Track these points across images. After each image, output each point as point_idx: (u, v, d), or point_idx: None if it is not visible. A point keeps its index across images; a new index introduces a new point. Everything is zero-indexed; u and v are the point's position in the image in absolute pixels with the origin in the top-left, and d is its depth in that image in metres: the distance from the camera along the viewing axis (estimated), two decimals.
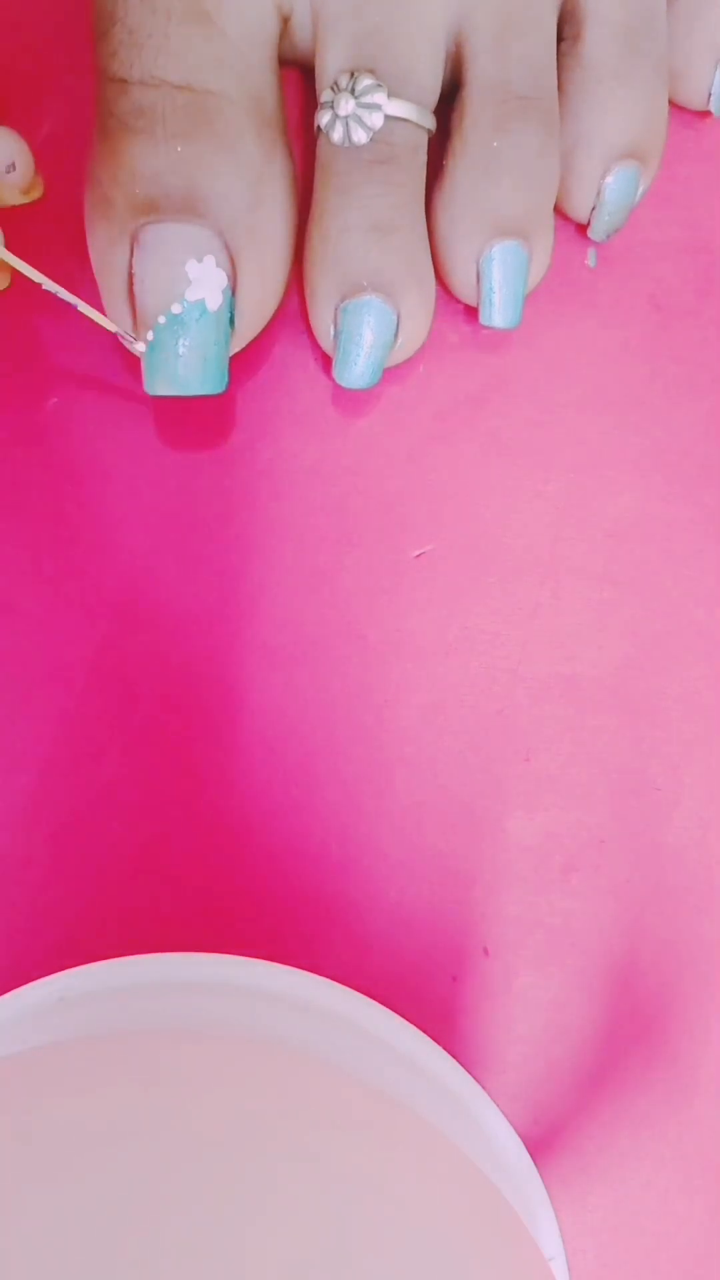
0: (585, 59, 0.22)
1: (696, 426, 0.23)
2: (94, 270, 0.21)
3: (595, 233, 0.23)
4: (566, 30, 0.22)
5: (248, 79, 0.21)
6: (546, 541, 0.22)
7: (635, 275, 0.23)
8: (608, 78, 0.21)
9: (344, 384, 0.21)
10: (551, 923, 0.21)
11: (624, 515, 0.23)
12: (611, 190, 0.22)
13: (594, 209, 0.22)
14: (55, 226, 0.22)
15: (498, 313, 0.22)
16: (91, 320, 0.20)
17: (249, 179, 0.20)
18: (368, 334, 0.21)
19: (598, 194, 0.22)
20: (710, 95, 0.23)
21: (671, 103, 0.23)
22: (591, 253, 0.23)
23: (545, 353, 0.23)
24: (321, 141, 0.21)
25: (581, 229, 0.23)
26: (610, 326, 0.23)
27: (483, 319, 0.22)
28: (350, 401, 0.23)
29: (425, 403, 0.23)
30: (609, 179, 0.22)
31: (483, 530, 0.22)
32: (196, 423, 0.22)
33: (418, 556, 0.22)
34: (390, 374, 0.23)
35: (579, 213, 0.23)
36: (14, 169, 0.20)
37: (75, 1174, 0.13)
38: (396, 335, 0.21)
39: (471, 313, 0.22)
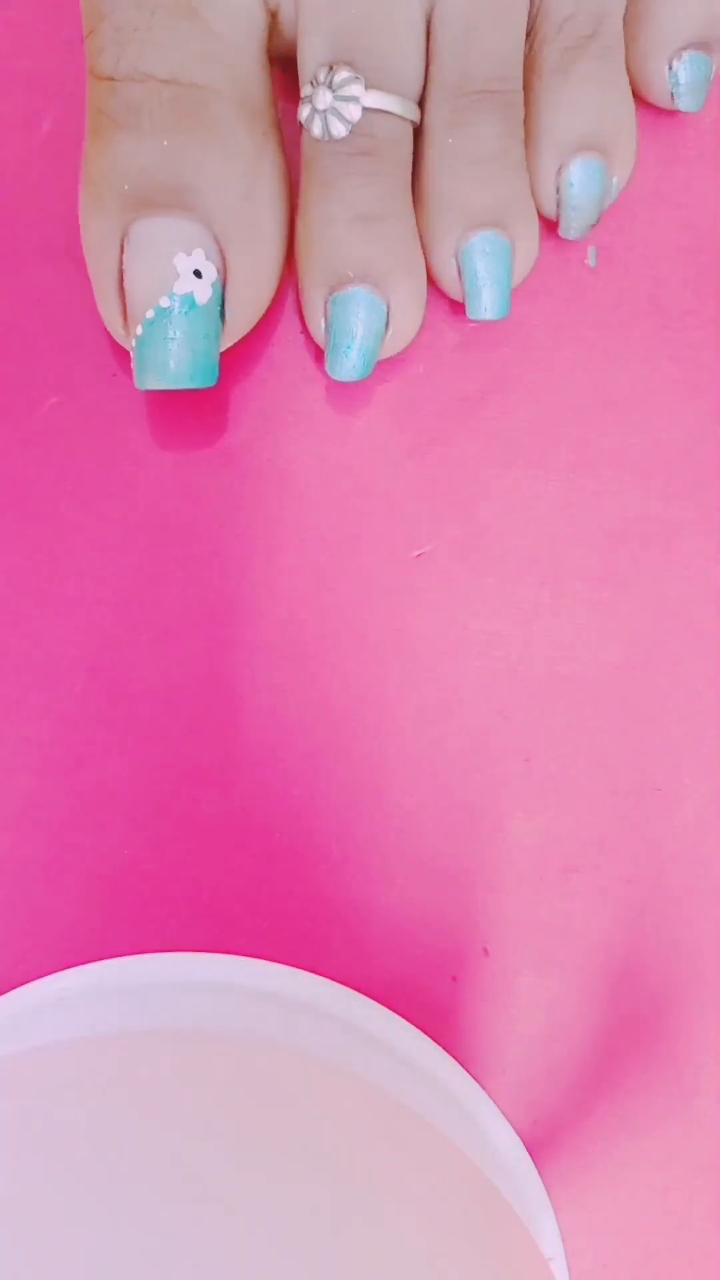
0: (533, 56, 0.22)
1: (696, 426, 0.23)
2: (88, 269, 0.21)
3: (565, 230, 0.22)
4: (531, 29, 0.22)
5: (235, 72, 0.21)
6: (546, 541, 0.22)
7: (635, 275, 0.23)
8: (549, 73, 0.21)
9: (336, 376, 0.21)
10: (551, 923, 0.21)
11: (624, 515, 0.23)
12: (570, 185, 0.22)
13: (559, 206, 0.22)
14: (55, 228, 0.22)
15: (483, 304, 0.21)
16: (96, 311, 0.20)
17: (238, 172, 0.20)
18: (357, 325, 0.21)
19: (558, 190, 0.22)
20: (672, 94, 0.22)
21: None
22: (592, 251, 0.23)
23: (545, 353, 0.23)
24: (305, 136, 0.21)
25: None
26: (610, 326, 0.23)
27: (470, 313, 0.22)
28: (350, 401, 0.23)
29: (425, 403, 0.23)
30: (565, 174, 0.22)
31: (483, 530, 0.22)
32: (196, 422, 0.22)
33: (418, 556, 0.22)
34: (390, 374, 0.23)
35: (546, 210, 0.22)
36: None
37: (75, 1174, 0.13)
38: (387, 326, 0.21)
39: None
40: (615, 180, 0.22)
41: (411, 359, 0.23)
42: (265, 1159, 0.14)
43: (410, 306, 0.21)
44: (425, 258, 0.22)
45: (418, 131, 0.22)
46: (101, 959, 0.21)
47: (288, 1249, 0.12)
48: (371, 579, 0.22)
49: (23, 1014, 0.20)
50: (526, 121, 0.22)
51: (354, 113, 0.20)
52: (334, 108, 0.20)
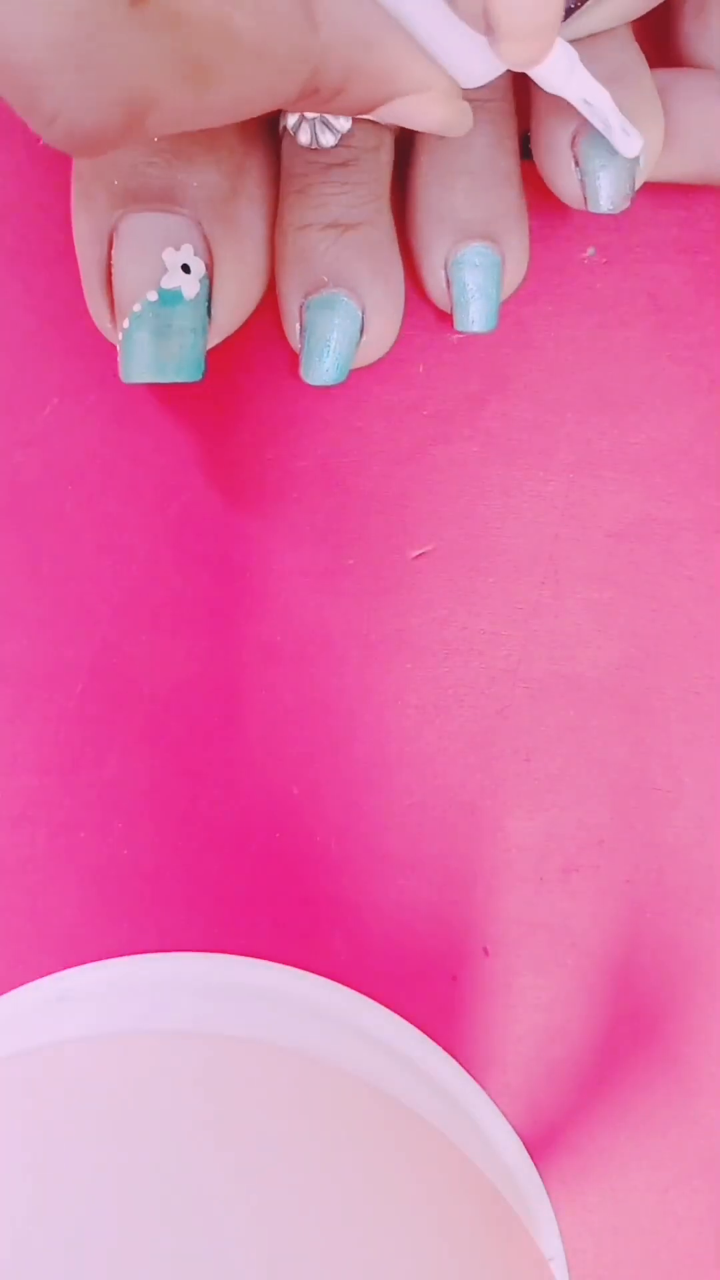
0: None
1: (696, 426, 0.23)
2: (79, 264, 0.21)
3: (593, 203, 0.20)
4: None
5: None
6: (546, 541, 0.22)
7: (635, 275, 0.23)
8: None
9: (310, 381, 0.21)
10: (551, 923, 0.21)
11: (624, 515, 0.23)
12: (587, 148, 0.20)
13: (582, 182, 0.20)
14: (56, 228, 0.22)
15: (470, 316, 0.21)
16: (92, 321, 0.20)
17: (227, 169, 0.20)
18: (331, 330, 0.21)
19: (575, 161, 0.20)
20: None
21: None
22: (590, 251, 0.23)
23: (545, 353, 0.23)
24: (284, 142, 0.21)
25: (580, 226, 0.23)
26: (610, 326, 0.23)
27: (457, 324, 0.21)
28: (350, 401, 0.23)
29: (425, 403, 0.23)
30: (583, 139, 0.20)
31: (483, 530, 0.22)
32: (197, 423, 0.22)
33: (418, 556, 0.22)
34: (390, 373, 0.23)
35: (566, 188, 0.21)
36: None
37: (74, 1173, 0.13)
38: (362, 331, 0.21)
39: None
40: (642, 146, 0.20)
41: (411, 359, 0.23)
42: (264, 1159, 0.14)
43: (386, 312, 0.21)
44: (415, 267, 0.22)
45: (399, 140, 0.22)
46: (101, 959, 0.21)
47: (287, 1248, 0.12)
48: (371, 579, 0.22)
49: (23, 1014, 0.20)
50: (536, 107, 0.21)
51: (344, 123, 0.20)
52: (323, 117, 0.20)
